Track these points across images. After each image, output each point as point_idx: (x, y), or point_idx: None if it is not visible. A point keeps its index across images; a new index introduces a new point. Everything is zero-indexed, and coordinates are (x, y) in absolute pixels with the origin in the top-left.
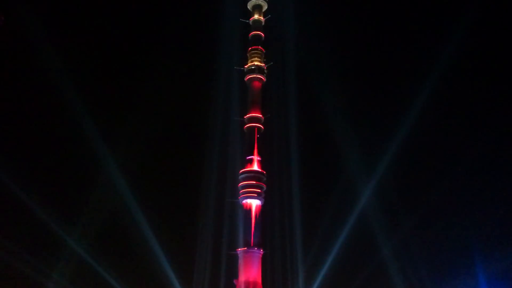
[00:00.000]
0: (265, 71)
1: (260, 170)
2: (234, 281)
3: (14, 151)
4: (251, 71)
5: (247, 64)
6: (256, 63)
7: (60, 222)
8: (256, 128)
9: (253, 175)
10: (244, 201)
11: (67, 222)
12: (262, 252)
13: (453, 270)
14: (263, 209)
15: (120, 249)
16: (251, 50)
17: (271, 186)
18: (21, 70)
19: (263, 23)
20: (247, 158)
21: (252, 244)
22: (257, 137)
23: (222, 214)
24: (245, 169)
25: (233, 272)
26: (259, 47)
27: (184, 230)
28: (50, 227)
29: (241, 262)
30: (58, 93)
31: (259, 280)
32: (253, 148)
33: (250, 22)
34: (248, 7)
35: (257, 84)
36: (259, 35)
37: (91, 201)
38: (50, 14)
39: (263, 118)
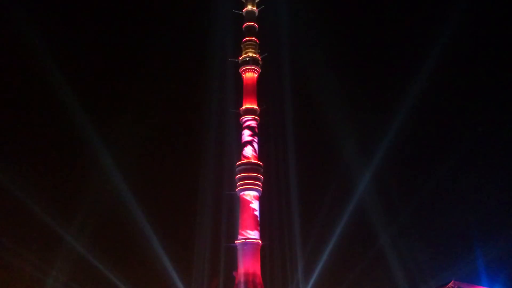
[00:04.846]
0: (260, 62)
1: (257, 161)
2: (234, 273)
3: (11, 150)
4: (245, 62)
5: (241, 55)
6: (250, 54)
7: (57, 219)
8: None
9: (250, 166)
10: (241, 193)
11: (65, 218)
12: (260, 244)
13: (452, 255)
14: (261, 200)
15: (118, 244)
16: (245, 41)
17: (268, 177)
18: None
19: (256, 14)
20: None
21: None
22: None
23: (220, 207)
24: (242, 161)
25: (232, 264)
26: (253, 38)
27: (182, 224)
28: (48, 224)
29: (240, 254)
30: (53, 93)
31: (259, 271)
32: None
33: (244, 13)
34: None
35: (252, 76)
36: (253, 26)
37: (88, 197)
38: (46, 16)
39: (259, 110)
